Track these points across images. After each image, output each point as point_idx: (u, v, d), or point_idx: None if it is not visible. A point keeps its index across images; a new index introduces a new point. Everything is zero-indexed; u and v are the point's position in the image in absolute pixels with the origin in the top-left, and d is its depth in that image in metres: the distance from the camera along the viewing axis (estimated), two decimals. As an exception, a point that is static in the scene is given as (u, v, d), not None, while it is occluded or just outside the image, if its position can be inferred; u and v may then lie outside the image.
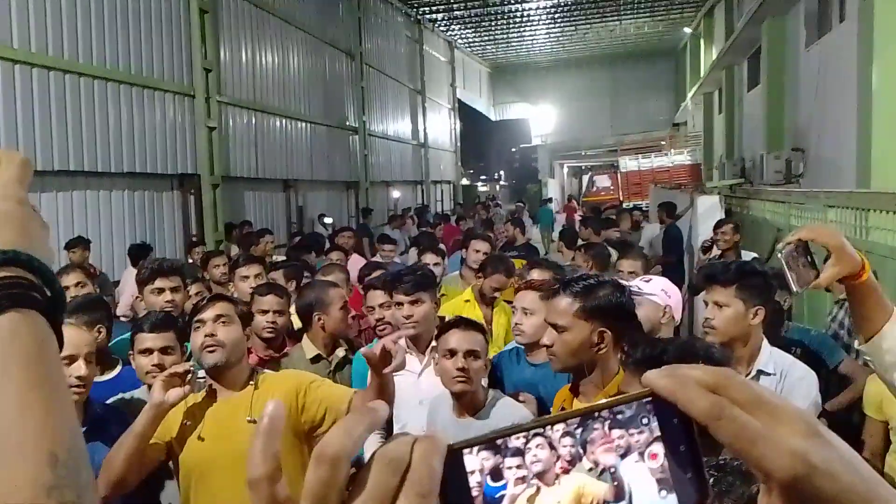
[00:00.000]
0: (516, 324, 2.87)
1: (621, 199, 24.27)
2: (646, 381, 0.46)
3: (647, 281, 2.77)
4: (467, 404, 2.55)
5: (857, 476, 0.42)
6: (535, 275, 3.60)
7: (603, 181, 27.53)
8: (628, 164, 26.94)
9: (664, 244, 8.36)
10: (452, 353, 2.52)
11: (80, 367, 2.26)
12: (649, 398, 0.46)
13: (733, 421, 0.43)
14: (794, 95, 12.15)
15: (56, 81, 7.02)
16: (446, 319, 3.60)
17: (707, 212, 7.57)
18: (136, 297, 4.04)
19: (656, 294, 2.66)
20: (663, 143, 28.80)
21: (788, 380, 2.44)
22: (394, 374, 2.57)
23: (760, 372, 2.46)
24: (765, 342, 2.56)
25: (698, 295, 2.63)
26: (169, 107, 8.93)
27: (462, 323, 2.65)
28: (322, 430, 2.28)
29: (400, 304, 3.08)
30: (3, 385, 0.58)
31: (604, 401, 0.47)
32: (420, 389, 2.89)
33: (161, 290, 3.57)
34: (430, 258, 5.02)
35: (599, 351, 2.05)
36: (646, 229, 9.77)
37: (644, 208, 14.63)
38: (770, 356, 2.49)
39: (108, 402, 2.73)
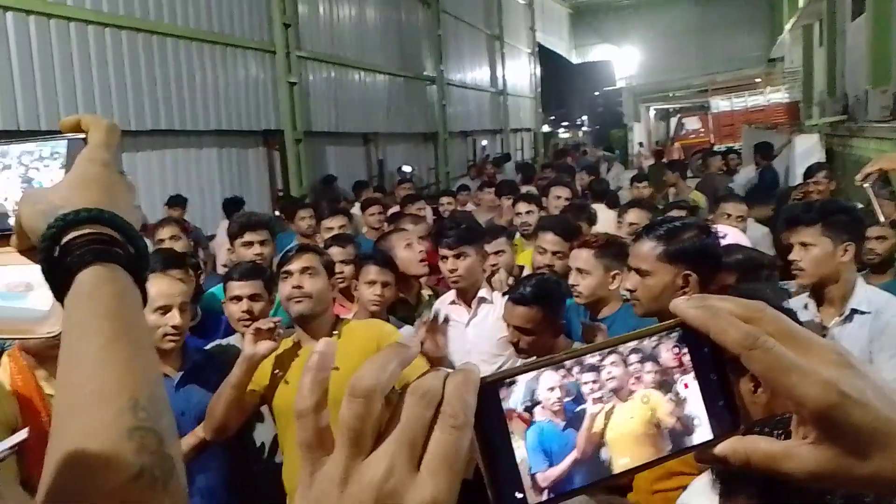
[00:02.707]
0: (572, 285, 2.78)
1: (712, 141, 23.24)
2: (675, 309, 0.45)
3: None
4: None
5: (892, 408, 0.41)
6: (632, 217, 3.55)
7: (692, 123, 26.29)
8: (719, 104, 25.67)
9: (759, 188, 7.94)
10: None
11: (174, 317, 2.37)
12: (678, 328, 0.46)
13: (767, 351, 0.42)
14: (905, 23, 11.15)
15: (145, 43, 7.27)
16: (523, 272, 3.59)
17: (806, 152, 7.16)
18: (229, 250, 4.20)
19: None
20: (758, 80, 27.17)
21: (883, 316, 2.33)
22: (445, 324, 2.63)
23: (854, 311, 2.37)
24: (860, 280, 2.47)
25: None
26: (251, 64, 9.11)
27: None
28: None
29: (445, 257, 3.06)
30: (85, 336, 0.60)
31: (632, 332, 0.46)
32: (467, 340, 2.97)
33: (250, 244, 3.70)
34: (522, 207, 4.70)
35: (684, 295, 1.98)
36: (741, 173, 9.32)
37: (738, 149, 13.93)
38: (865, 294, 2.41)
39: (205, 347, 2.87)
